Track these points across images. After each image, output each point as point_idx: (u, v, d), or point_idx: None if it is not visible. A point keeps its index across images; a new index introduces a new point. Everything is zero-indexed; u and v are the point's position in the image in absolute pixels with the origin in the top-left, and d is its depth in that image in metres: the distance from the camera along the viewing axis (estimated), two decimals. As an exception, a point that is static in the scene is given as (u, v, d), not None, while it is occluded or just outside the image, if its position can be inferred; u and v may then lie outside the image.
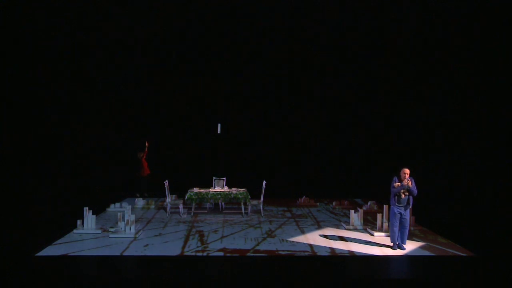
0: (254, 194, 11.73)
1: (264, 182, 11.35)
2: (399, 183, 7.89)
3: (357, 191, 14.20)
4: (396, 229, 8.05)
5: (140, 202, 12.29)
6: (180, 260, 7.53)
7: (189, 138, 14.56)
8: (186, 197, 11.02)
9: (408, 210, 8.02)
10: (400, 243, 8.09)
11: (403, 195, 7.91)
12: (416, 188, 7.88)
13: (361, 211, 10.06)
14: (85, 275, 6.92)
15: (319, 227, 10.08)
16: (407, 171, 7.90)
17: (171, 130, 14.51)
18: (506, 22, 9.53)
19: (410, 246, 8.29)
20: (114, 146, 14.28)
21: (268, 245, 8.41)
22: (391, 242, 8.16)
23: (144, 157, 13.16)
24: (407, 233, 8.11)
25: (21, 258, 7.46)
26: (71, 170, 13.47)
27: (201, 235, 9.16)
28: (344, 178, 14.40)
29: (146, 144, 13.25)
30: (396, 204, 7.99)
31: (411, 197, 7.95)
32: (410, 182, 7.81)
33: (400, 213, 7.99)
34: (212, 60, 14.34)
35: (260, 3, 13.29)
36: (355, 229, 9.76)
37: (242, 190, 11.29)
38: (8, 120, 11.95)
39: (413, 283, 6.63)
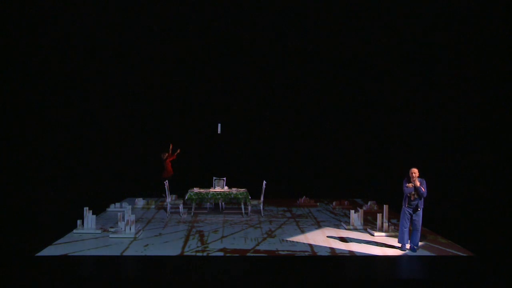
0: (254, 194, 11.73)
1: (264, 182, 11.35)
2: (411, 184, 7.88)
3: (357, 191, 14.20)
4: (406, 229, 8.02)
5: (140, 202, 12.30)
6: (180, 260, 7.54)
7: (189, 138, 14.54)
8: (186, 197, 11.03)
9: (419, 212, 7.97)
10: (412, 245, 8.06)
11: (412, 197, 7.90)
12: (426, 189, 7.84)
13: (361, 211, 10.07)
14: (85, 275, 6.92)
15: (319, 227, 10.08)
16: (415, 170, 7.88)
17: (171, 130, 14.48)
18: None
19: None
20: (114, 146, 14.26)
21: (268, 245, 8.42)
22: (399, 242, 8.13)
23: (169, 158, 12.88)
24: (418, 235, 8.05)
25: (21, 258, 7.46)
26: (71, 170, 13.45)
27: (201, 235, 9.16)
28: (344, 178, 14.39)
29: (171, 146, 13.05)
30: (407, 205, 7.99)
31: (421, 201, 7.92)
32: (417, 182, 7.80)
33: (411, 214, 7.99)
34: (212, 59, 14.32)
35: (259, 3, 13.28)
36: (355, 229, 9.76)
37: (242, 190, 11.29)
38: (8, 119, 11.94)
39: (413, 283, 6.63)
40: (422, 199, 7.91)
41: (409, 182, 7.90)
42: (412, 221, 8.00)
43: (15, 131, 12.08)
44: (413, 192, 7.86)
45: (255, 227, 9.94)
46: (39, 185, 12.45)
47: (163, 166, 12.86)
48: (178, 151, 13.03)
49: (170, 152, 13.00)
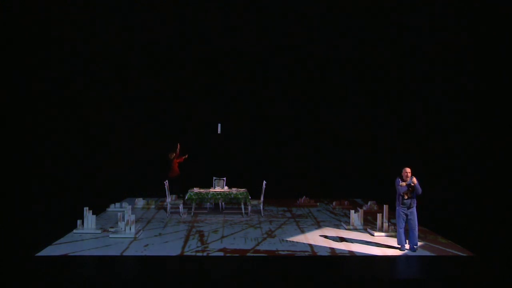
0: (254, 194, 11.73)
1: (264, 182, 11.35)
2: (404, 183, 7.87)
3: (357, 191, 14.19)
4: (402, 230, 8.04)
5: (140, 202, 12.29)
6: (180, 260, 7.54)
7: (189, 138, 14.53)
8: (186, 197, 11.03)
9: (413, 210, 7.97)
10: (411, 244, 8.05)
11: (406, 196, 7.89)
12: (420, 186, 7.86)
13: (361, 211, 10.06)
14: (85, 275, 6.92)
15: (319, 227, 10.08)
16: (408, 170, 7.89)
17: (171, 130, 14.47)
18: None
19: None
20: (114, 146, 14.25)
21: (268, 245, 8.41)
22: (398, 244, 8.12)
23: (176, 158, 12.61)
24: (416, 233, 8.03)
25: (21, 258, 7.46)
26: (72, 170, 13.45)
27: (201, 235, 9.16)
28: (344, 178, 14.39)
29: (178, 146, 12.76)
30: (401, 205, 7.98)
31: (414, 199, 7.92)
32: (414, 179, 7.81)
33: (406, 214, 7.98)
34: (212, 59, 14.31)
35: (259, 4, 13.30)
36: (355, 229, 9.76)
37: (242, 190, 11.29)
38: (8, 119, 11.95)
39: (413, 283, 6.63)
40: (415, 197, 7.92)
41: (403, 181, 7.90)
42: (407, 220, 8.00)
43: (15, 131, 12.09)
44: (406, 191, 7.87)
45: (255, 227, 9.94)
46: (40, 185, 12.45)
47: (170, 166, 12.72)
48: (186, 156, 12.85)
49: (178, 152, 12.82)
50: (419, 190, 7.84)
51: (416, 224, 8.00)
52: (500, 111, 9.88)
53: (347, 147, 14.64)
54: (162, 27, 13.67)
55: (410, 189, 7.85)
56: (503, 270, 7.19)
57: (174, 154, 12.61)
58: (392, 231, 9.19)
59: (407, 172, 7.87)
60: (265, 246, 8.38)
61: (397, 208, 8.05)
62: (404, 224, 8.03)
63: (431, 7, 11.54)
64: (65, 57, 13.07)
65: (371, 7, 12.98)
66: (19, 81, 12.20)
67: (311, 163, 14.68)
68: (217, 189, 11.47)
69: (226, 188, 11.53)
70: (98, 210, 11.05)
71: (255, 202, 11.21)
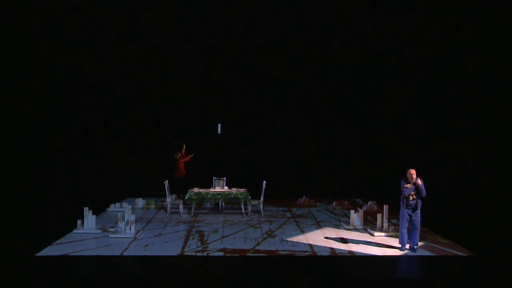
0: (254, 194, 11.73)
1: (264, 182, 11.35)
2: (409, 185, 7.86)
3: (357, 191, 14.18)
4: (405, 231, 8.04)
5: (140, 202, 12.29)
6: (180, 260, 7.54)
7: (189, 138, 14.53)
8: (186, 197, 11.03)
9: (418, 212, 7.96)
10: (411, 245, 8.05)
11: (411, 198, 7.89)
12: (425, 188, 7.85)
13: (361, 211, 10.07)
14: (85, 275, 6.92)
15: (319, 227, 10.08)
16: (413, 171, 7.87)
17: (171, 130, 14.48)
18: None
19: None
20: (114, 146, 14.25)
21: (268, 245, 8.42)
22: (400, 243, 8.14)
23: (181, 158, 12.62)
24: (418, 234, 8.04)
25: (21, 258, 7.46)
26: (71, 170, 13.45)
27: (201, 235, 9.17)
28: (344, 178, 14.39)
29: (184, 146, 12.78)
30: (405, 207, 7.97)
31: (419, 200, 7.92)
32: (419, 180, 7.80)
33: (410, 215, 7.98)
34: (212, 59, 14.32)
35: (258, 3, 13.31)
36: (355, 229, 9.76)
37: (242, 190, 11.29)
38: (8, 119, 11.94)
39: (413, 283, 6.63)
40: (420, 198, 7.91)
41: (407, 183, 7.89)
42: (411, 221, 8.00)
43: (14, 131, 12.08)
44: (412, 193, 7.86)
45: (255, 227, 9.94)
46: (40, 185, 12.44)
47: (176, 166, 12.70)
48: (192, 155, 12.85)
49: (183, 152, 12.80)
50: (424, 192, 7.82)
51: (419, 224, 8.01)
52: (500, 111, 9.87)
53: (347, 147, 14.64)
54: (162, 27, 13.68)
55: (415, 191, 7.84)
56: (503, 270, 7.19)
57: (180, 154, 12.61)
58: (392, 231, 9.19)
59: (411, 174, 7.85)
60: (265, 246, 8.38)
61: (401, 208, 8.05)
62: (407, 224, 8.03)
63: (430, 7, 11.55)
64: (66, 57, 13.06)
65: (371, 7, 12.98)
66: (17, 80, 12.18)
67: (312, 163, 14.68)
68: (217, 189, 11.47)
69: (226, 188, 11.54)
70: (98, 210, 11.05)
71: (255, 202, 11.21)
